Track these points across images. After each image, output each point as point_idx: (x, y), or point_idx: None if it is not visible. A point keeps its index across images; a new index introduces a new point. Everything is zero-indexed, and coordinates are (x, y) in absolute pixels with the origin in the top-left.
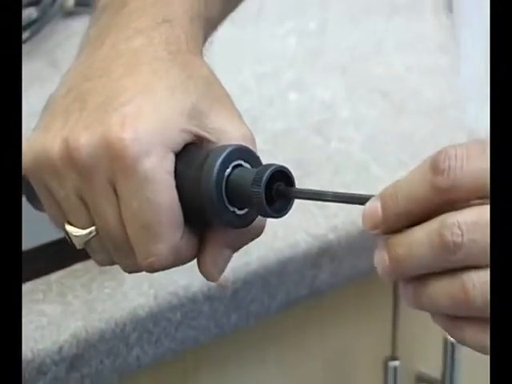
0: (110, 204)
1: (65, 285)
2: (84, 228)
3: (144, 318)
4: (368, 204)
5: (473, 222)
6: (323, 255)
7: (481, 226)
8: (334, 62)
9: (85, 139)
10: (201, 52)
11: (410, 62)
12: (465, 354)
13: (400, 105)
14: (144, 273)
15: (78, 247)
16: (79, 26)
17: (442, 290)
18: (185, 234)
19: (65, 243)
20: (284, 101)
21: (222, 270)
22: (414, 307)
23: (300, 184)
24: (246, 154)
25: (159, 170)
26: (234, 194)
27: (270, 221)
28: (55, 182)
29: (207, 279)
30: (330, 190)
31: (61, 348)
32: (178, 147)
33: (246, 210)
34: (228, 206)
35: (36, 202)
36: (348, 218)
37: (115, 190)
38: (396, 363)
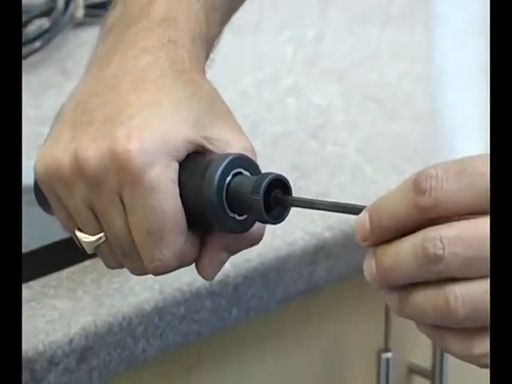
0: (118, 212)
1: (75, 281)
2: (93, 234)
3: (150, 312)
4: (358, 217)
5: (454, 237)
6: (319, 253)
7: (461, 241)
8: (330, 69)
9: (93, 151)
10: (203, 71)
11: (403, 69)
12: None
13: (392, 110)
14: None
15: (89, 252)
16: (89, 35)
17: (425, 300)
18: (188, 239)
19: (75, 241)
20: (282, 106)
21: (218, 271)
22: (400, 315)
23: (297, 185)
24: (245, 162)
25: (164, 179)
26: (234, 200)
27: None
28: (65, 192)
29: (202, 278)
30: (325, 200)
31: (71, 340)
32: (182, 156)
33: (246, 215)
34: (228, 212)
35: (47, 207)
36: (343, 217)
37: (122, 199)
38: (389, 355)
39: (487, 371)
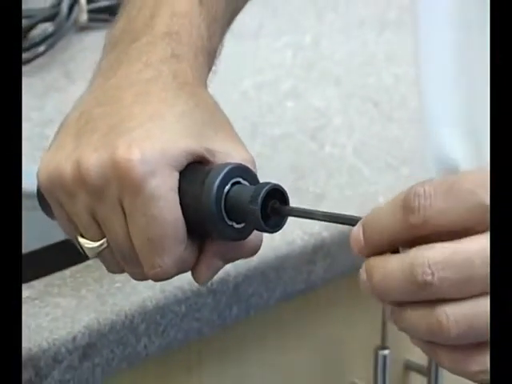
0: (119, 220)
1: (78, 280)
2: (95, 240)
3: (151, 311)
4: (353, 230)
5: (442, 261)
6: (318, 252)
7: (450, 264)
8: (328, 72)
9: (94, 160)
10: (205, 84)
11: (399, 73)
12: None
13: (389, 113)
14: None
15: (91, 257)
16: (92, 40)
17: (417, 319)
18: (187, 246)
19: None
20: (282, 108)
21: (211, 278)
22: (397, 328)
23: (296, 185)
24: (244, 171)
25: (164, 188)
26: (233, 209)
27: None
28: (67, 200)
29: (196, 282)
30: (321, 210)
31: (74, 338)
32: (182, 166)
33: (244, 224)
34: (227, 220)
35: (49, 213)
36: None
37: (123, 207)
38: (386, 352)
39: None
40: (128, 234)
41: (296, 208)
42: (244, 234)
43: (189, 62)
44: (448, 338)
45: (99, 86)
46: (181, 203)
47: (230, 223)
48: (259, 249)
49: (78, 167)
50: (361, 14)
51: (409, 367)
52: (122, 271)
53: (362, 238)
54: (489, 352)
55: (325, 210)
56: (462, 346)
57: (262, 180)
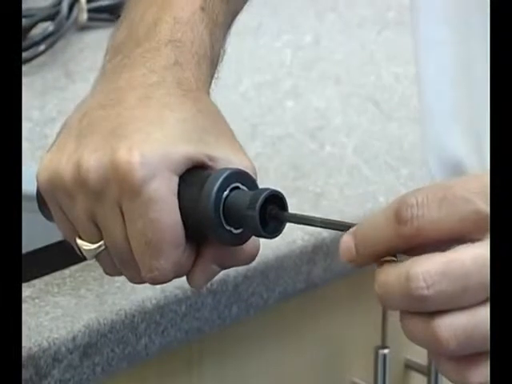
0: (117, 222)
1: (78, 279)
2: (94, 242)
3: (152, 310)
4: (343, 239)
5: (438, 273)
6: (318, 252)
7: (445, 276)
8: (328, 72)
9: (94, 162)
10: (208, 91)
11: (399, 72)
12: None
13: (389, 112)
14: None
15: (89, 259)
16: (92, 39)
17: (416, 330)
18: (186, 250)
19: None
20: (281, 108)
21: (206, 283)
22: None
23: (296, 185)
24: (243, 177)
25: (163, 191)
26: (231, 214)
27: None
28: (67, 202)
29: (191, 287)
30: (319, 217)
31: (75, 337)
32: (182, 171)
33: (242, 229)
34: (225, 225)
35: (48, 214)
36: (340, 218)
37: (122, 210)
38: (386, 351)
39: None
40: (126, 237)
41: (294, 214)
42: (242, 240)
43: (191, 70)
44: (447, 350)
45: (102, 88)
46: (179, 207)
47: (228, 228)
48: (255, 257)
49: (77, 168)
50: (360, 14)
51: (409, 366)
52: (119, 274)
53: (353, 247)
54: (489, 363)
55: (323, 217)
56: (462, 356)
57: (261, 185)
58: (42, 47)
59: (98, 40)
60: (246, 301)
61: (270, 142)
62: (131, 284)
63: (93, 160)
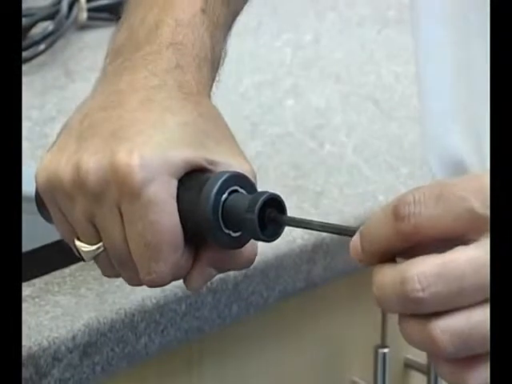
0: (116, 224)
1: (78, 278)
2: (92, 244)
3: (151, 309)
4: (352, 240)
5: (433, 275)
6: (317, 251)
7: (441, 277)
8: (328, 71)
9: (94, 164)
10: (209, 94)
11: (399, 71)
12: None
13: (389, 111)
14: None
15: (87, 261)
16: (92, 38)
17: (412, 332)
18: (184, 253)
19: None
20: (281, 107)
21: (203, 286)
22: None
23: (296, 184)
24: (242, 180)
25: (162, 194)
26: (230, 217)
27: None
28: (66, 203)
29: (188, 289)
30: (319, 220)
31: (74, 336)
32: (181, 174)
33: (240, 232)
34: (223, 228)
35: (46, 215)
36: (340, 217)
37: (121, 212)
38: (385, 350)
39: None
40: (125, 239)
41: (293, 218)
42: (240, 243)
43: (192, 73)
44: (444, 352)
45: (103, 90)
46: (178, 210)
47: (226, 231)
48: (253, 261)
49: (77, 170)
50: (360, 13)
51: (409, 365)
52: (117, 276)
53: (359, 249)
54: (487, 365)
55: (322, 220)
56: (460, 359)
57: (261, 183)
58: (41, 46)
59: (98, 39)
60: (246, 300)
61: (270, 141)
62: None
63: (92, 162)
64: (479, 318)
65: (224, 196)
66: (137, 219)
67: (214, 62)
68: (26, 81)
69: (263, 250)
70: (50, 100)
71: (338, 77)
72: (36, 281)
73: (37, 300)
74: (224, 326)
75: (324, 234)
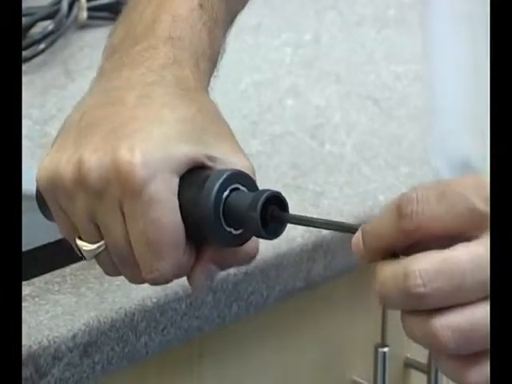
0: (118, 223)
1: (78, 277)
2: (94, 243)
3: (152, 308)
4: (354, 237)
5: (434, 271)
6: (318, 250)
7: (443, 273)
8: (327, 70)
9: (95, 162)
10: (207, 90)
11: (399, 70)
12: None
13: (389, 110)
14: None
15: (88, 259)
16: (92, 37)
17: (414, 328)
18: (186, 251)
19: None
20: (281, 107)
21: (205, 283)
22: None
23: (296, 183)
24: (243, 178)
25: (164, 192)
26: (231, 215)
27: None
28: (67, 201)
29: (191, 287)
30: (321, 218)
31: (75, 336)
32: (182, 171)
33: (242, 230)
34: (225, 226)
35: (48, 214)
36: (340, 215)
37: (123, 210)
38: (385, 349)
39: None
40: (127, 237)
41: (295, 215)
42: (242, 241)
43: (190, 68)
44: (445, 348)
45: (101, 87)
46: (180, 208)
47: (228, 229)
48: (255, 258)
49: (78, 168)
50: (360, 12)
51: (409, 365)
52: (118, 274)
53: (361, 246)
54: (488, 362)
55: (323, 218)
56: (461, 356)
57: (260, 182)
58: (41, 46)
59: (98, 38)
60: (246, 299)
61: (270, 140)
62: None
63: (93, 160)
64: (481, 314)
65: (225, 194)
66: (138, 217)
67: (211, 58)
68: (26, 80)
69: (263, 249)
70: (50, 99)
71: (337, 76)
72: (36, 280)
73: (37, 299)
74: (224, 325)
75: (324, 232)
